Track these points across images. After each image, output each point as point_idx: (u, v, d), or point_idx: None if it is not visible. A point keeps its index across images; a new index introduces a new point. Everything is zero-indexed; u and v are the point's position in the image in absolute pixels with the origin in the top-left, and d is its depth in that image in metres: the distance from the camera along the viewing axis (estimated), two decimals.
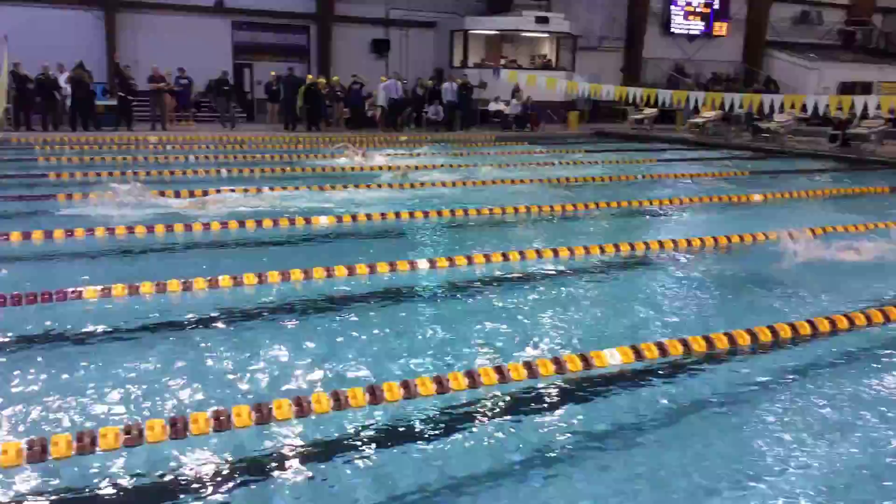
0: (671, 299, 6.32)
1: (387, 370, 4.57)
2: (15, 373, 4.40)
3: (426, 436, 3.84)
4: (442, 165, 14.72)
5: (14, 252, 7.32)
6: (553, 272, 7.06)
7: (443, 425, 3.95)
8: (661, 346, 4.78)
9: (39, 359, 4.64)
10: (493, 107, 25.05)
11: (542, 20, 26.95)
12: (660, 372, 4.65)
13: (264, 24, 25.12)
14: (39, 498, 3.19)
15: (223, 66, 22.72)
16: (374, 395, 3.99)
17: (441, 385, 4.16)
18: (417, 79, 23.79)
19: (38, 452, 3.36)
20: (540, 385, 4.39)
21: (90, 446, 3.44)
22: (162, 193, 10.38)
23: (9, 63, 16.86)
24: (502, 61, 26.80)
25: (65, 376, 4.38)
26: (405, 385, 4.11)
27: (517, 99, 24.50)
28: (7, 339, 4.95)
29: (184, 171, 13.10)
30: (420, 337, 5.25)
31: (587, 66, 28.20)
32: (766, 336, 5.11)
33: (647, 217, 10.46)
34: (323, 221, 8.92)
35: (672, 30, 31.80)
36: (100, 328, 5.18)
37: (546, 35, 27.82)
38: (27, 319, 5.31)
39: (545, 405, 4.24)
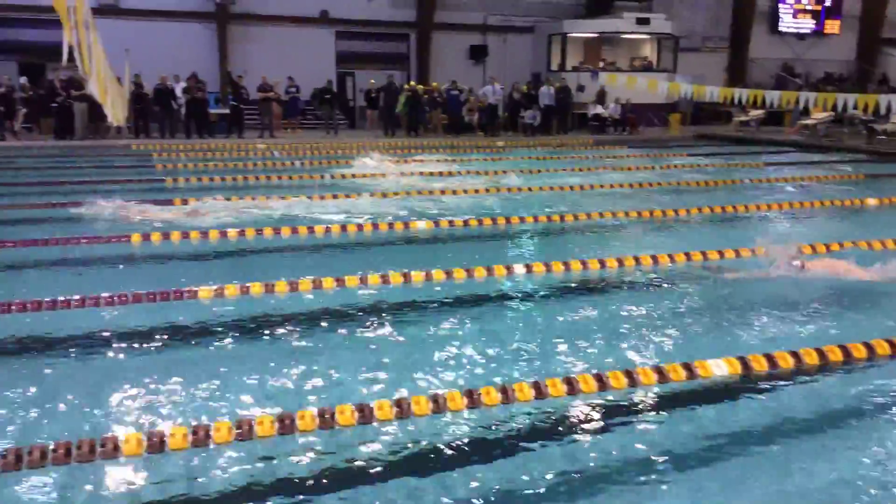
0: (781, 307, 6.07)
1: (486, 375, 4.61)
2: (138, 363, 4.71)
3: (521, 441, 3.85)
4: (533, 170, 14.67)
5: (135, 252, 7.79)
6: (652, 279, 6.92)
7: (539, 431, 3.95)
8: (769, 358, 4.62)
9: (161, 353, 4.94)
10: (591, 110, 24.75)
11: (643, 21, 26.43)
12: (767, 385, 4.49)
13: (366, 34, 25.75)
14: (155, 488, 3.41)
15: (327, 74, 23.46)
16: (472, 398, 4.05)
17: (539, 391, 4.17)
18: (513, 84, 23.81)
19: (156, 444, 3.59)
20: (640, 394, 4.33)
21: (204, 440, 3.64)
22: (267, 197, 10.85)
23: (130, 75, 17.96)
24: (601, 64, 26.43)
25: (183, 369, 4.65)
26: (503, 391, 4.14)
27: (604, 102, 24.15)
28: (130, 333, 5.28)
29: (289, 176, 13.58)
30: (516, 343, 5.25)
31: (689, 68, 27.41)
32: (883, 350, 4.85)
33: (755, 222, 10.09)
34: (421, 226, 9.10)
35: (780, 29, 30.57)
36: (214, 325, 5.46)
37: (647, 36, 27.26)
38: (149, 316, 5.64)
39: (645, 414, 4.18)
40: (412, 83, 23.18)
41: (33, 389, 4.32)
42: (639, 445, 3.78)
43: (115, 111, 9.19)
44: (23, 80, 19.73)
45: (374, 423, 3.86)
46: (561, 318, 5.81)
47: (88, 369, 4.69)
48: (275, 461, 3.59)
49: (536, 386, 4.19)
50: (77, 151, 17.14)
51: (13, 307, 5.59)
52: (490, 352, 5.00)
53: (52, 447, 3.46)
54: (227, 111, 21.05)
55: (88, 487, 3.35)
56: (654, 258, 7.36)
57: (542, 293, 6.51)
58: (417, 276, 6.59)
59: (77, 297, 5.76)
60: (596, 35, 27.10)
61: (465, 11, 26.62)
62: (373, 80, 22.98)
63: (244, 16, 23.94)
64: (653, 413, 4.20)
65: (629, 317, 5.82)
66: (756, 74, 29.66)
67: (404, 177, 13.70)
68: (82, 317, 5.55)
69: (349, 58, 25.80)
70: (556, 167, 15.31)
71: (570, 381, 4.25)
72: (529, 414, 4.09)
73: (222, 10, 23.40)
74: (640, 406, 4.25)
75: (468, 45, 27.03)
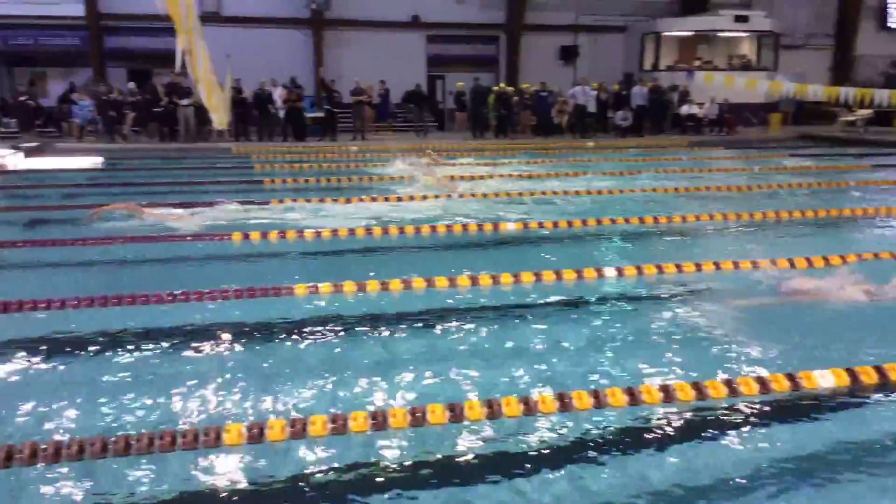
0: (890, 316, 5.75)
1: (581, 380, 4.56)
2: (241, 357, 4.90)
3: (617, 447, 3.80)
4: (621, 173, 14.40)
5: (234, 251, 8.09)
6: (752, 284, 6.67)
7: (631, 437, 3.88)
8: (879, 370, 4.38)
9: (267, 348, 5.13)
10: (685, 110, 24.10)
11: (742, 19, 25.56)
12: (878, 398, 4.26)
13: (456, 37, 25.91)
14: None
15: (418, 78, 23.78)
16: (563, 402, 4.02)
17: (633, 397, 4.09)
18: (599, 84, 23.45)
19: (256, 436, 3.71)
20: (741, 404, 4.19)
21: (301, 432, 3.75)
22: (361, 199, 11.07)
23: (231, 80, 18.67)
24: (697, 63, 25.71)
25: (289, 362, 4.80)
26: (595, 395, 4.09)
27: (686, 102, 23.48)
28: (240, 327, 5.49)
29: (380, 178, 13.81)
30: (608, 347, 5.17)
31: (791, 66, 26.35)
32: None
33: (863, 227, 9.60)
34: (510, 228, 9.09)
35: (889, 24, 28.98)
36: (310, 321, 5.61)
37: (745, 34, 26.34)
38: (250, 313, 5.86)
39: (745, 425, 4.05)
40: (501, 85, 23.17)
41: (139, 378, 4.57)
42: (742, 456, 3.67)
43: (219, 115, 9.57)
44: (131, 85, 20.81)
45: (458, 423, 3.89)
46: (655, 323, 5.68)
47: (196, 361, 4.90)
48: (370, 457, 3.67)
49: (630, 392, 4.11)
50: (182, 154, 17.94)
51: (124, 301, 5.89)
52: (580, 355, 4.94)
53: (180, 432, 3.65)
54: (321, 115, 21.60)
55: (197, 473, 3.52)
56: (755, 263, 7.10)
57: (634, 296, 6.39)
58: (506, 277, 6.58)
59: (192, 291, 6.06)
60: (692, 34, 26.40)
61: (555, 12, 26.41)
62: (461, 83, 23.10)
63: (338, 21, 24.51)
64: (753, 425, 4.05)
65: (726, 322, 5.64)
66: (863, 72, 28.21)
67: (492, 178, 13.71)
68: (189, 311, 5.81)
69: (439, 61, 26.03)
70: (648, 168, 14.99)
71: (666, 389, 4.15)
72: (619, 419, 4.03)
73: (317, 16, 24.04)
74: (739, 417, 4.11)
75: (558, 45, 26.82)
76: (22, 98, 20.81)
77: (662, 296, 6.45)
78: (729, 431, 3.95)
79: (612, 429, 3.97)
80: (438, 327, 5.58)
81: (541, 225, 9.16)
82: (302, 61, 23.99)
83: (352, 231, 8.67)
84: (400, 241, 8.58)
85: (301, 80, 21.95)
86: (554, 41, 26.79)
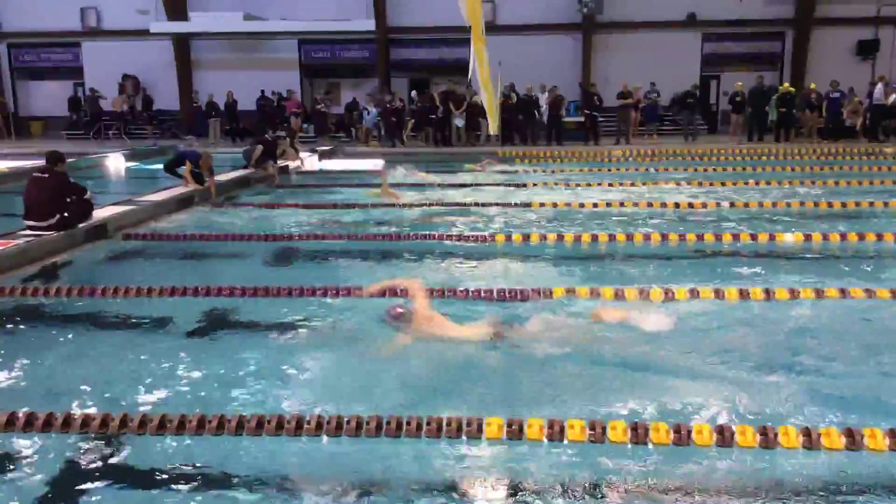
0: None
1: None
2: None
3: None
4: None
5: (496, 250, 8.34)
6: None
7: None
8: None
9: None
10: None
11: None
12: None
13: (735, 34, 24.40)
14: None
15: (691, 79, 22.81)
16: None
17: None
18: (885, 82, 20.45)
19: (515, 432, 3.79)
20: None
21: (600, 435, 3.75)
22: (621, 204, 10.87)
23: (501, 86, 19.31)
24: None
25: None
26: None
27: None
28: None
29: (643, 182, 13.44)
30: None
31: None
32: None
33: None
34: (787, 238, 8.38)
35: None
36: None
37: None
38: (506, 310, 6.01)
39: None
40: (785, 84, 21.35)
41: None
42: None
43: (493, 121, 10.00)
44: (413, 93, 22.43)
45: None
46: None
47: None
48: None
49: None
50: (454, 157, 18.90)
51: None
52: None
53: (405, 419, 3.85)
54: (582, 119, 21.57)
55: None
56: None
57: None
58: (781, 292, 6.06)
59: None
60: None
61: (853, 4, 23.73)
62: (740, 83, 21.63)
63: (610, 24, 24.23)
64: None
65: None
66: None
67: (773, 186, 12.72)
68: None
69: (715, 60, 24.70)
70: None
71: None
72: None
73: (589, 20, 23.99)
74: None
75: (855, 40, 24.08)
76: (318, 106, 23.40)
77: None
78: None
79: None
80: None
81: (825, 237, 8.30)
82: (568, 66, 24.11)
83: (612, 237, 8.53)
84: (661, 248, 8.26)
85: (566, 85, 22.09)
86: (850, 36, 24.09)
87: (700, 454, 3.66)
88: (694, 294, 6.10)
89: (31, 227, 8.06)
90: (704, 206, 10.74)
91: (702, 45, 24.64)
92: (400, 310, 5.38)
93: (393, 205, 10.96)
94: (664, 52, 23.53)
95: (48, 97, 26.33)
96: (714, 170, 15.36)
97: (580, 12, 23.68)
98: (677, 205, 10.72)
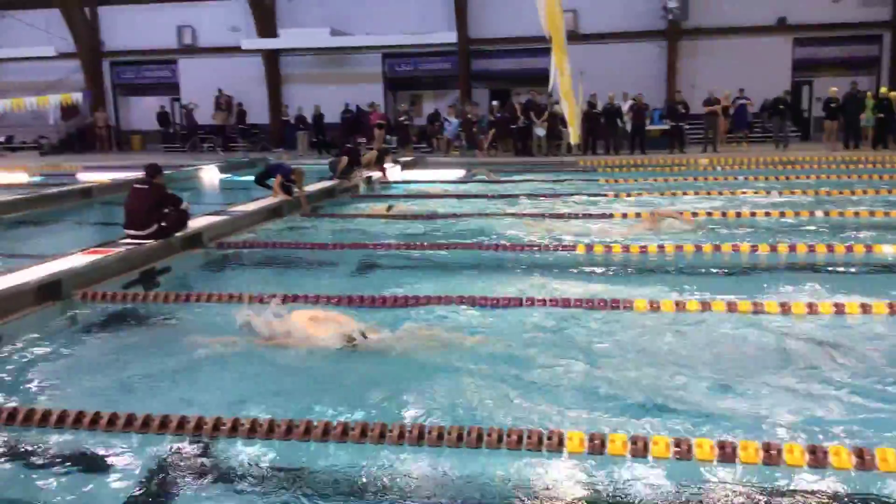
0: None
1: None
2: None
3: None
4: None
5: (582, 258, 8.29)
6: None
7: None
8: None
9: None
10: None
11: None
12: None
13: (828, 38, 23.43)
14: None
15: (781, 84, 22.06)
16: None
17: None
18: None
19: (597, 446, 3.77)
20: None
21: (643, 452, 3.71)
22: (709, 213, 10.61)
23: (584, 95, 19.13)
24: None
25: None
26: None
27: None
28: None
29: (731, 192, 13.06)
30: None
31: None
32: None
33: None
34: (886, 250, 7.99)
35: None
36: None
37: None
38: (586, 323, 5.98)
39: None
40: (884, 89, 20.36)
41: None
42: None
43: (575, 131, 9.92)
44: (495, 103, 22.50)
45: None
46: None
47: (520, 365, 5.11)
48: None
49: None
50: (535, 168, 18.83)
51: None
52: None
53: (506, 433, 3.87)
54: (666, 127, 21.13)
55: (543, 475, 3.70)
56: None
57: None
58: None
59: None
60: None
61: None
62: (834, 88, 20.73)
63: (695, 30, 23.67)
64: None
65: None
66: None
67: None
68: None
69: (807, 65, 23.77)
70: None
71: None
72: None
73: (673, 26, 23.51)
74: None
75: None
76: (401, 118, 23.77)
77: None
78: None
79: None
80: None
81: None
82: (653, 73, 23.67)
83: (698, 247, 8.35)
84: (742, 259, 8.03)
85: (651, 93, 21.69)
86: None
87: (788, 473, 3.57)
88: (812, 309, 5.96)
89: (130, 236, 8.46)
90: (797, 214, 10.38)
91: (793, 50, 23.76)
92: None
93: (471, 215, 11.06)
94: (753, 58, 22.80)
95: (146, 112, 27.65)
96: (807, 178, 14.79)
97: (664, 19, 23.24)
98: (767, 213, 10.41)
